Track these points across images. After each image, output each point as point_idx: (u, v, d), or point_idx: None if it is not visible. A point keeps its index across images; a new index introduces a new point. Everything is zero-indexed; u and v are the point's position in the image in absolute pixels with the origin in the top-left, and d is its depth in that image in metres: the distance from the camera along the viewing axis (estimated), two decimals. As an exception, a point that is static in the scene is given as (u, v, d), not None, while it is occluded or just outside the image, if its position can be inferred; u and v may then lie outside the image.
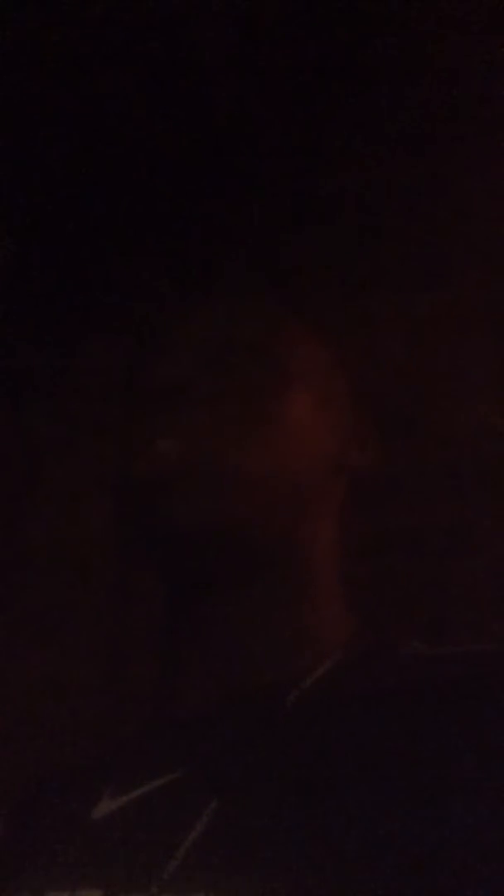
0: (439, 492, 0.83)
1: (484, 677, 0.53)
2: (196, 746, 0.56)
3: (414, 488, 0.82)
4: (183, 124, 0.76)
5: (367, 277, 0.80)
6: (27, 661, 0.73)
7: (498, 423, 0.79)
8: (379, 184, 0.79)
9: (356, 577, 0.66)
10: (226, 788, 0.52)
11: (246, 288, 0.75)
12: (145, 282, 0.79)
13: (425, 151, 0.78)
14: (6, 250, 0.82)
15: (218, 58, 0.76)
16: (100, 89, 0.76)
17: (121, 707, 0.68)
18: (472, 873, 0.46)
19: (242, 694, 0.59)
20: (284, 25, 0.75)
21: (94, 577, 0.78)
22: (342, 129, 0.78)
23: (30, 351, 0.89)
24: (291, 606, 0.63)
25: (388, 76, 0.75)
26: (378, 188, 0.79)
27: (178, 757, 0.56)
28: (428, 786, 0.49)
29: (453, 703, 0.52)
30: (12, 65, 0.75)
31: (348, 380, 0.71)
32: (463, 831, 0.47)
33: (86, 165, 0.77)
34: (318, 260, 0.79)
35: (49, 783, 0.63)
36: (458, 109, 0.76)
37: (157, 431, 0.63)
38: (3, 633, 0.76)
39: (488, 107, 0.76)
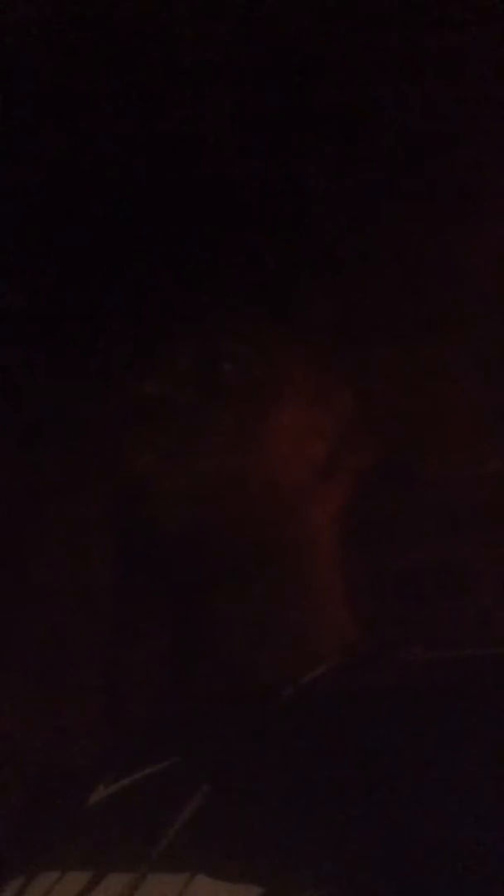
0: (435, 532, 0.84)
1: (484, 681, 0.54)
2: (191, 739, 0.57)
3: (410, 528, 0.83)
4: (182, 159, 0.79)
5: (366, 323, 0.83)
6: (24, 661, 0.73)
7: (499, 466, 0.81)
8: (383, 232, 0.82)
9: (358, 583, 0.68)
10: (217, 775, 0.53)
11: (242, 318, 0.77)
12: (149, 319, 0.81)
13: (430, 203, 0.81)
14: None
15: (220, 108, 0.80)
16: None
17: (120, 710, 0.68)
18: (459, 869, 0.46)
19: (238, 692, 0.60)
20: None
21: (95, 585, 0.79)
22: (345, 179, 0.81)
23: (35, 388, 0.91)
24: (289, 610, 0.64)
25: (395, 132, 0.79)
26: (382, 236, 0.82)
27: (173, 749, 0.57)
28: (422, 781, 0.49)
29: (451, 705, 0.53)
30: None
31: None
32: (457, 830, 0.47)
33: (85, 196, 0.80)
34: (317, 303, 0.82)
35: (49, 781, 0.63)
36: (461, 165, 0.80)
37: (137, 445, 0.65)
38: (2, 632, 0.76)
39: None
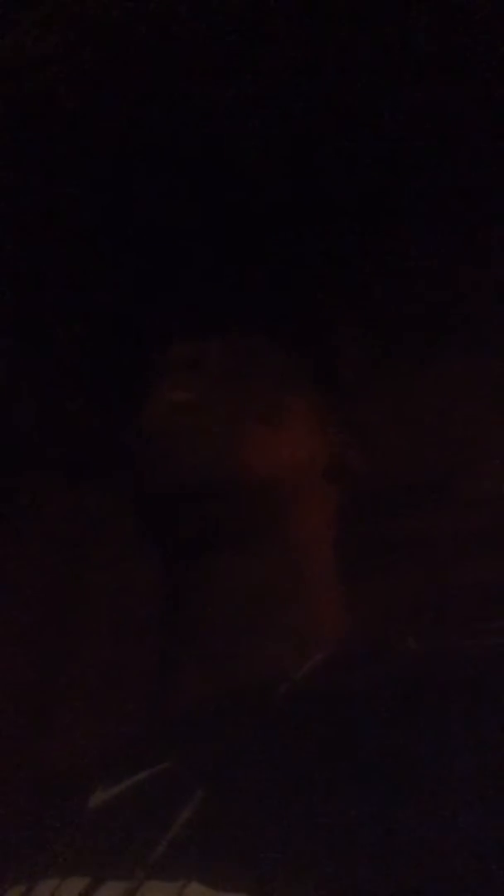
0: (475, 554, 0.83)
1: (479, 675, 0.53)
2: (188, 739, 0.57)
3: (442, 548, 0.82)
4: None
5: (396, 341, 0.83)
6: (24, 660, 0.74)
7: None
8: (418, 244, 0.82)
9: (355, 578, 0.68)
10: (214, 778, 0.53)
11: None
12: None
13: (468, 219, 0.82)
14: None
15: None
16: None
17: (119, 705, 0.69)
18: (454, 868, 0.45)
19: (234, 688, 0.60)
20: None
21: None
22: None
23: (83, 422, 0.93)
24: (285, 602, 0.65)
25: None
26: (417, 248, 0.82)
27: (170, 749, 0.57)
28: (418, 778, 0.49)
29: (446, 700, 0.52)
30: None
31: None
32: (453, 827, 0.46)
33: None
34: (349, 319, 0.83)
35: (47, 781, 0.64)
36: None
37: (174, 389, 0.68)
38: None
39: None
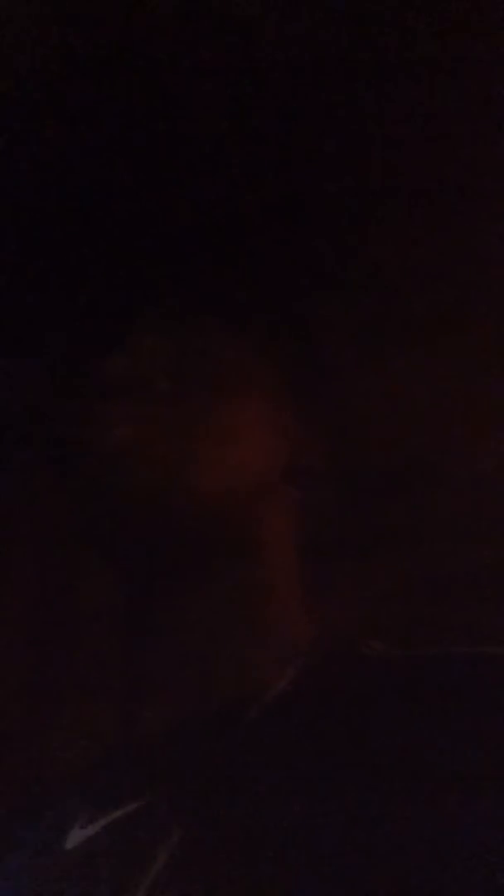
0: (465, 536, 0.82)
1: (449, 682, 0.53)
2: (161, 769, 0.57)
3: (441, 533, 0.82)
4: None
5: (381, 320, 0.81)
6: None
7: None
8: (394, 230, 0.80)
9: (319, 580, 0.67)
10: (189, 817, 0.53)
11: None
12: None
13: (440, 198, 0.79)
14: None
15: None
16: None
17: (87, 719, 0.69)
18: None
19: (204, 709, 0.60)
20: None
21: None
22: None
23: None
24: (249, 609, 0.63)
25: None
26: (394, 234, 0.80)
27: (144, 781, 0.57)
28: (402, 800, 0.48)
29: (420, 710, 0.52)
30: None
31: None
32: (438, 851, 0.47)
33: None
34: (332, 301, 0.81)
35: (20, 810, 0.64)
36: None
37: (116, 418, 0.66)
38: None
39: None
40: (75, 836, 0.58)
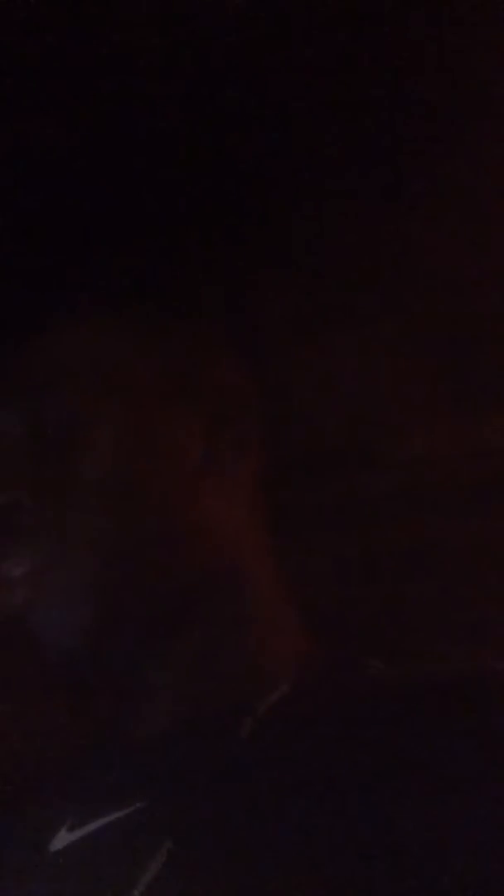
0: (399, 516, 0.84)
1: (444, 699, 0.53)
2: (152, 777, 0.56)
3: (375, 514, 0.83)
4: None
5: (317, 302, 0.81)
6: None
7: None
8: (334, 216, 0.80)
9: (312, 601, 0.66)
10: (180, 827, 0.52)
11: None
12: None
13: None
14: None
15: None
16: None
17: (75, 736, 0.67)
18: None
19: (195, 721, 0.59)
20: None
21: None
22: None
23: None
24: (234, 638, 0.61)
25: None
26: (333, 220, 0.80)
27: (135, 787, 0.56)
28: (401, 804, 0.49)
29: (415, 725, 0.52)
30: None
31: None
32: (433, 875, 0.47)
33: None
34: (271, 287, 0.80)
35: (4, 807, 0.62)
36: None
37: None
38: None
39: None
40: (62, 838, 0.56)
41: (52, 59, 0.71)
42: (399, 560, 0.84)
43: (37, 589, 0.58)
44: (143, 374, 0.62)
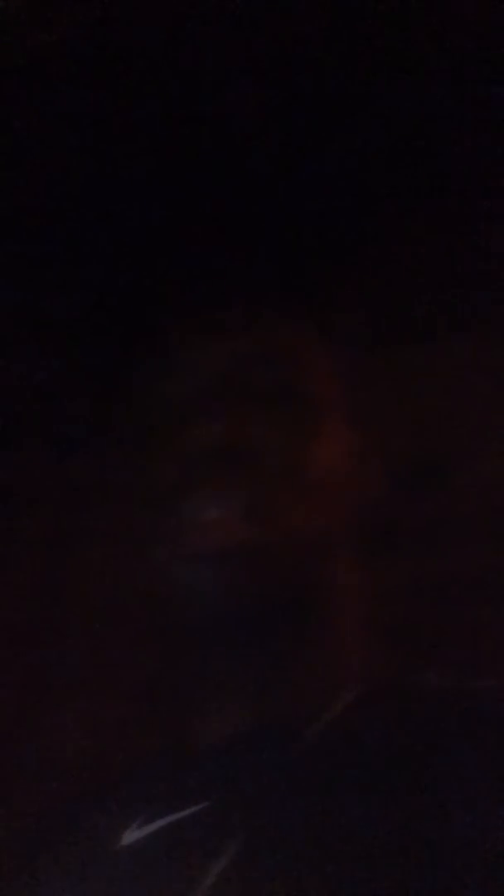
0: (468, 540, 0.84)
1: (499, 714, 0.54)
2: (220, 780, 0.57)
3: (444, 537, 0.83)
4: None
5: (393, 325, 0.82)
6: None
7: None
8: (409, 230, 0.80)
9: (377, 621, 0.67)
10: (251, 823, 0.53)
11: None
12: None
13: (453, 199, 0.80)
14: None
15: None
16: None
17: (142, 739, 0.68)
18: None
19: (264, 727, 0.60)
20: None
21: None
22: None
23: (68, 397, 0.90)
24: (308, 649, 0.63)
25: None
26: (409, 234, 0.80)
27: (204, 788, 0.57)
28: (452, 816, 0.49)
29: (476, 738, 0.53)
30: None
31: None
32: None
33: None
34: (345, 306, 0.81)
35: (76, 805, 0.63)
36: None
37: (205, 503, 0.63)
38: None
39: None
40: (131, 834, 0.57)
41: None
42: (469, 583, 0.84)
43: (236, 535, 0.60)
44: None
